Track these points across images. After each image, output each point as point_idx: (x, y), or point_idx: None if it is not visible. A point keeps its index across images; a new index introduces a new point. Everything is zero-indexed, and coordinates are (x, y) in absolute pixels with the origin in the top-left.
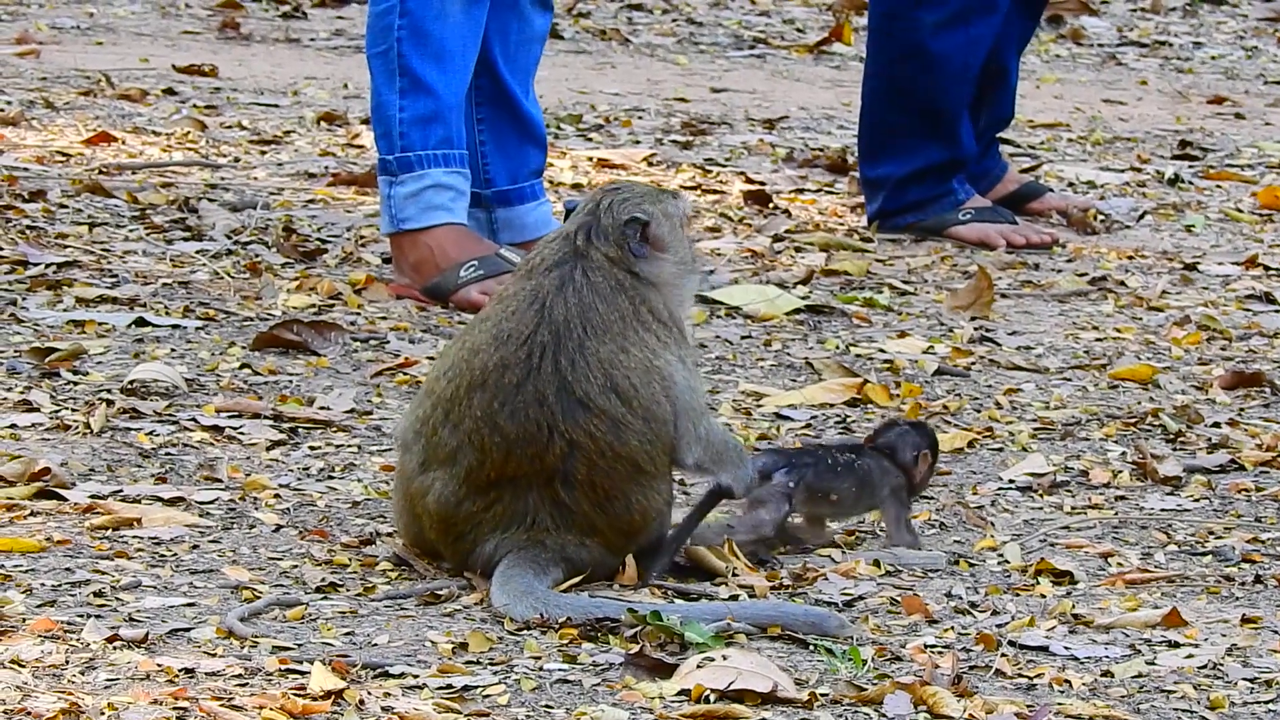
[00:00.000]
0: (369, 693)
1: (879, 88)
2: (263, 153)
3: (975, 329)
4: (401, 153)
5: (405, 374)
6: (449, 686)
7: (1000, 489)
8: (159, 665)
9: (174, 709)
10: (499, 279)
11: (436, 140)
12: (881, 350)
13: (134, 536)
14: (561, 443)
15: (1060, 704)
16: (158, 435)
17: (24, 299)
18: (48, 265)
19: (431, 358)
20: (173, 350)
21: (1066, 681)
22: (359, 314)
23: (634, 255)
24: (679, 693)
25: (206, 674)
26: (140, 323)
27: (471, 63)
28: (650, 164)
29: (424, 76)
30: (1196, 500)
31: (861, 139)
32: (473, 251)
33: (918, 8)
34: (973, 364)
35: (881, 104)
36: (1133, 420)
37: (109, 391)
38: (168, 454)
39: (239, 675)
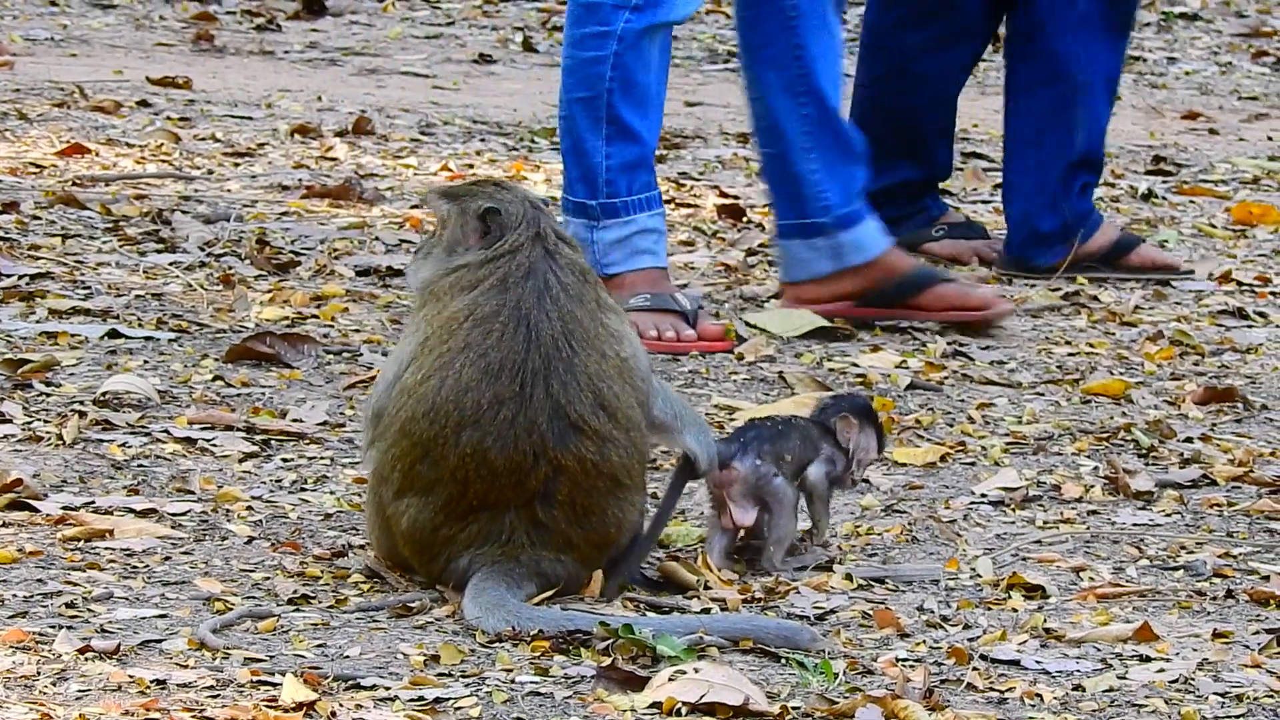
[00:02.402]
0: (341, 704)
1: (862, 101)
2: (236, 165)
3: (948, 343)
4: (607, 199)
5: None
6: (421, 699)
7: (972, 503)
8: (131, 676)
9: None
10: (660, 315)
11: (641, 185)
12: (855, 364)
13: (106, 548)
14: (547, 468)
15: (1031, 718)
16: (130, 447)
17: None
18: (20, 277)
19: None
20: (145, 362)
21: (1038, 695)
22: (332, 326)
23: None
24: (650, 705)
25: (178, 685)
26: (113, 334)
27: (663, 102)
28: None
29: (631, 124)
30: (1168, 515)
31: None
32: (654, 288)
33: (900, 29)
34: (945, 378)
35: (865, 119)
36: (1105, 435)
37: (81, 403)
38: (140, 466)
39: (211, 687)
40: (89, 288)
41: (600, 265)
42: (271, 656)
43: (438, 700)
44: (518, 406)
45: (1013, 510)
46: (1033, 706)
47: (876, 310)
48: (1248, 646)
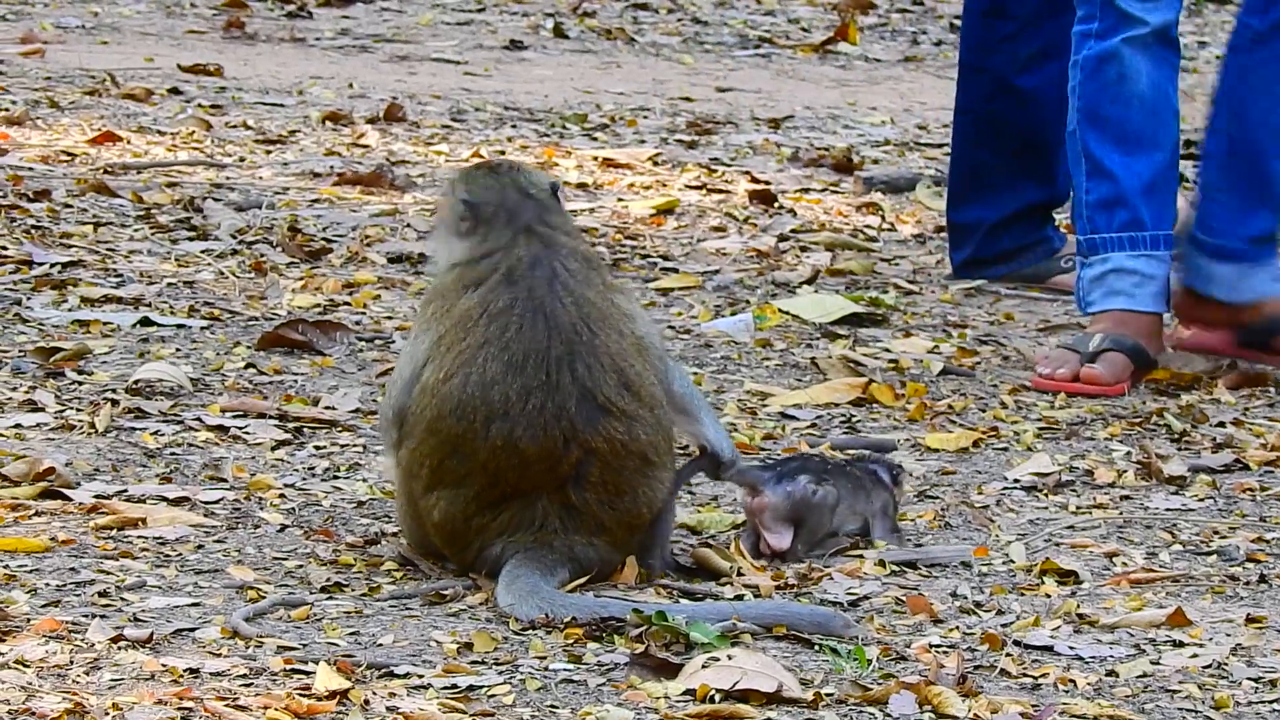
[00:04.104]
0: (374, 693)
1: (969, 125)
2: (268, 152)
3: (982, 332)
4: (1089, 235)
5: None
6: (454, 686)
7: (1005, 488)
8: (164, 665)
9: (179, 709)
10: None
11: (1120, 224)
12: (887, 350)
13: (139, 536)
14: (578, 452)
15: (1065, 704)
16: (162, 435)
17: (29, 299)
18: (53, 265)
19: None
20: (178, 350)
21: (1071, 681)
22: (364, 314)
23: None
24: (684, 692)
25: (211, 674)
26: (145, 322)
27: (1164, 138)
28: (655, 163)
29: (1103, 161)
30: (1201, 500)
31: (951, 181)
32: (1121, 330)
33: (1007, 42)
34: (977, 363)
35: (972, 143)
36: (1138, 420)
37: (114, 391)
38: (172, 454)
39: (244, 675)
40: (121, 276)
41: (1082, 303)
42: (304, 645)
43: (471, 688)
44: (546, 395)
45: (1045, 495)
46: (1066, 692)
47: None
48: None
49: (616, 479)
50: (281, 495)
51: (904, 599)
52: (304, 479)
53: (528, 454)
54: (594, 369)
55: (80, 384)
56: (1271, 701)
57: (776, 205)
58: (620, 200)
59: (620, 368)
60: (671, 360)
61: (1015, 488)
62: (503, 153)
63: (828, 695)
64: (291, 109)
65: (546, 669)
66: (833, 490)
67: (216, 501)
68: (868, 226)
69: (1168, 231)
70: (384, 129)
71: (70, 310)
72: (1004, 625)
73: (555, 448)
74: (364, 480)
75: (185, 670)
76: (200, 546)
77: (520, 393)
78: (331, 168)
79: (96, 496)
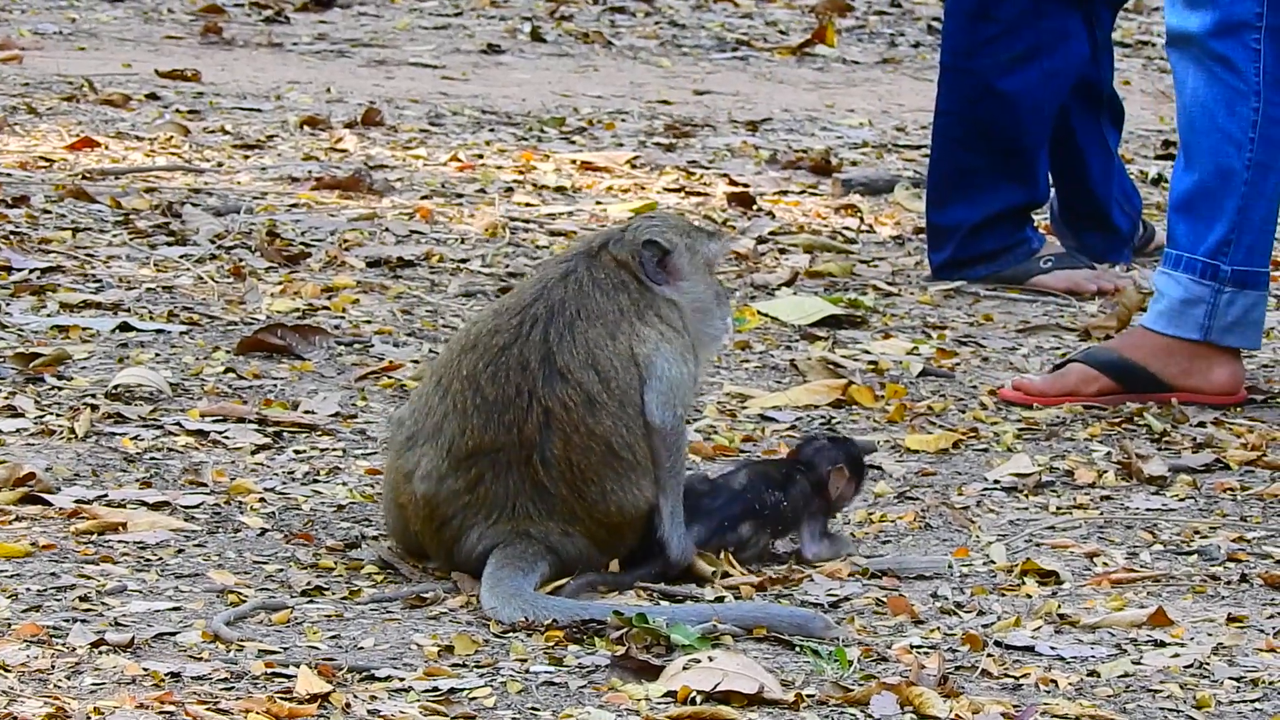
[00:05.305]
0: (355, 696)
1: (951, 127)
2: (246, 157)
3: (961, 333)
4: None
5: (390, 377)
6: (435, 689)
7: (985, 489)
8: (145, 669)
9: (160, 713)
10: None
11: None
12: (866, 351)
13: (119, 541)
14: (538, 410)
15: (1046, 704)
16: (142, 440)
17: (8, 304)
18: (31, 270)
19: (416, 361)
20: (157, 355)
21: (1052, 681)
22: (343, 318)
23: (649, 279)
24: (665, 694)
25: (192, 678)
26: (124, 327)
27: (1200, 159)
28: (633, 166)
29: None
30: (1182, 500)
31: (931, 182)
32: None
33: (990, 44)
34: (957, 364)
35: (954, 145)
36: (1118, 420)
37: (93, 396)
38: (152, 458)
39: (225, 679)
40: (100, 281)
41: None
42: (285, 648)
43: (452, 691)
44: (511, 338)
45: (1026, 496)
46: (1047, 692)
47: None
48: (1262, 631)
49: (582, 461)
50: (261, 499)
51: (885, 600)
52: (284, 483)
53: (488, 395)
54: (564, 338)
55: (60, 389)
56: (1253, 701)
57: (755, 207)
58: (598, 203)
59: (593, 352)
60: (678, 409)
61: (995, 488)
62: (480, 157)
63: (809, 696)
64: (269, 114)
65: (527, 671)
66: (767, 540)
67: (197, 506)
68: (846, 228)
69: (1197, 257)
70: (362, 133)
71: (49, 316)
72: (985, 626)
73: (515, 398)
74: (344, 484)
75: (166, 674)
76: (181, 551)
77: (492, 330)
78: (309, 172)
79: (77, 501)
